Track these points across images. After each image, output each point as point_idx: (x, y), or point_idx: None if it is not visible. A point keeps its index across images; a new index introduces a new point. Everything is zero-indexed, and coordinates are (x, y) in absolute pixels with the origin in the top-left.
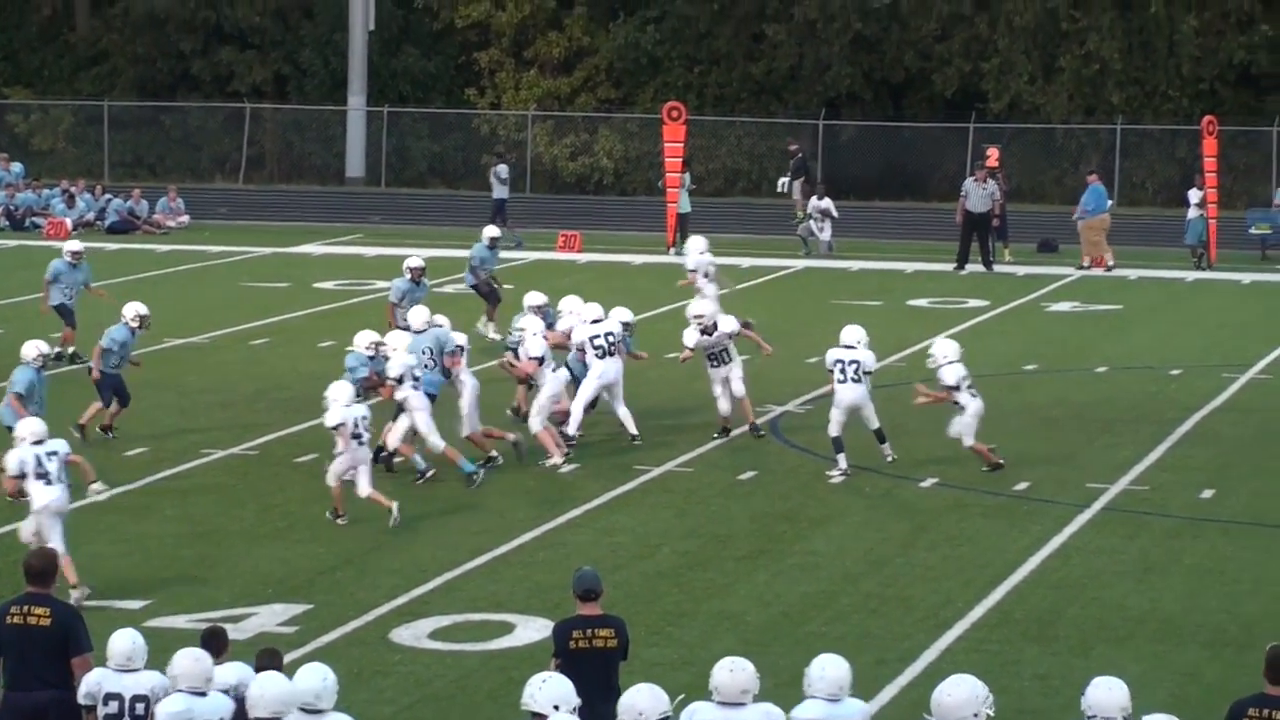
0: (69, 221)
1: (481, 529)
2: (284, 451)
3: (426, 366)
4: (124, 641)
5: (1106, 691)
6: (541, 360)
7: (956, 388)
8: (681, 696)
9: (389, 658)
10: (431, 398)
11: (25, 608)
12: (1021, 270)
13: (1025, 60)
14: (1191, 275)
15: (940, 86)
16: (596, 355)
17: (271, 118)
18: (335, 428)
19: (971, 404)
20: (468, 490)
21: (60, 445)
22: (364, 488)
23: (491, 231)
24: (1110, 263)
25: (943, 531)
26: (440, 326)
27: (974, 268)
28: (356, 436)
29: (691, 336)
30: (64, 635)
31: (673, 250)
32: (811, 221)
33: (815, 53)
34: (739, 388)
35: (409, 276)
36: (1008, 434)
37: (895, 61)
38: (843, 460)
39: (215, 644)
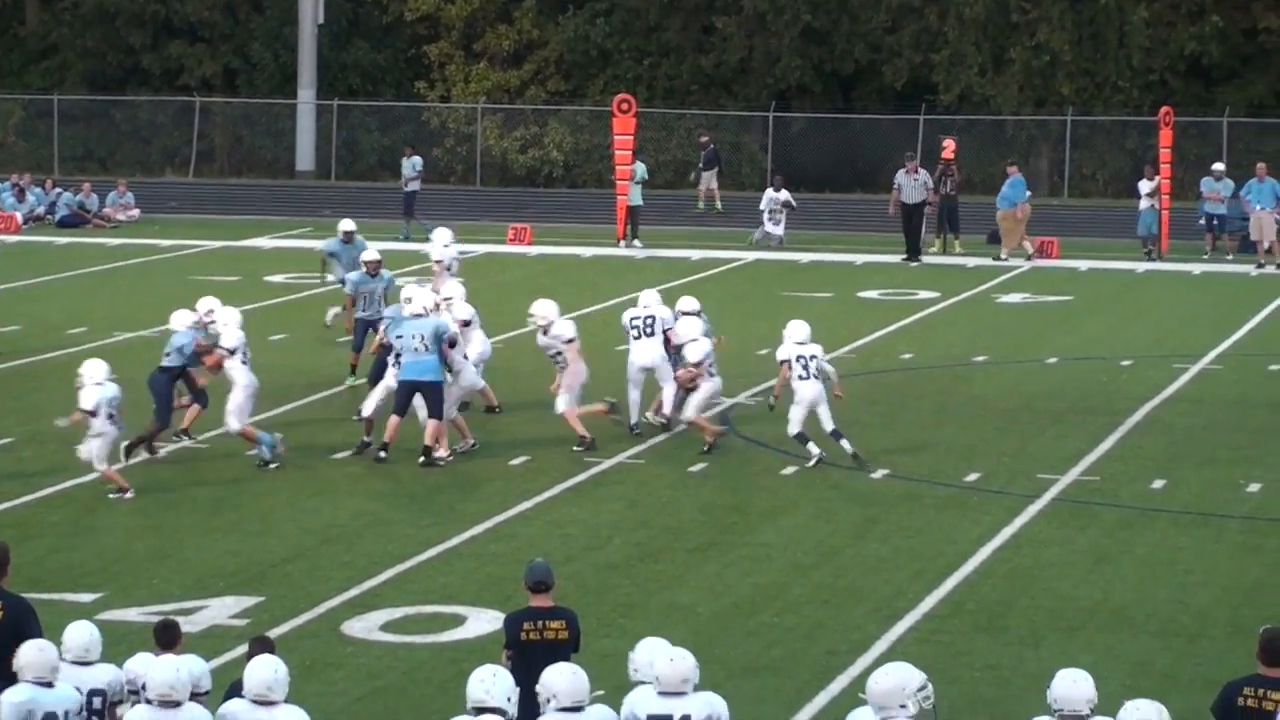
0: (19, 216)
1: (432, 521)
2: (235, 444)
3: (417, 350)
4: (81, 634)
5: (1072, 684)
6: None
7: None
8: (600, 693)
9: (340, 650)
10: (434, 385)
11: None
12: (972, 262)
13: (975, 52)
14: (1142, 266)
15: (890, 78)
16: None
17: (221, 111)
18: (91, 411)
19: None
20: (407, 482)
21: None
22: (100, 463)
23: (347, 225)
24: (1030, 251)
25: (894, 523)
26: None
27: (934, 259)
28: (110, 417)
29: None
30: (16, 628)
31: (623, 243)
32: (767, 214)
33: (765, 45)
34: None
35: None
36: (958, 425)
37: (845, 53)
38: (813, 448)
39: (168, 636)
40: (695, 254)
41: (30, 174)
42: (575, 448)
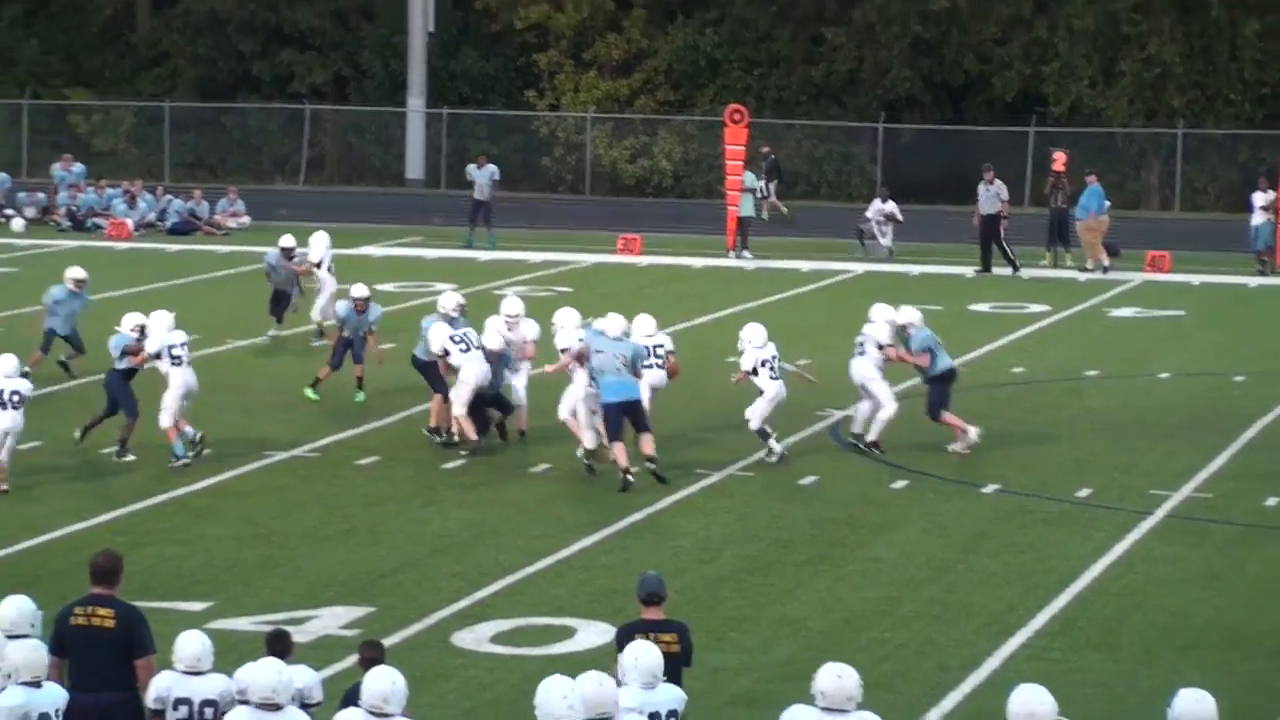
0: (130, 222)
1: (543, 533)
2: (346, 453)
3: (618, 370)
4: (193, 644)
5: (1195, 703)
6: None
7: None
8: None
9: (450, 661)
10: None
11: (89, 609)
12: (1083, 275)
13: (1086, 64)
14: (1255, 280)
15: (1000, 90)
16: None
17: (331, 119)
18: None
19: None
20: (517, 492)
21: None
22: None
23: (286, 241)
24: (1106, 263)
25: (1005, 538)
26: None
27: (1045, 273)
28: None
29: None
30: (128, 637)
31: (733, 254)
32: (875, 225)
33: (875, 56)
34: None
35: (354, 307)
36: (1070, 440)
37: (955, 65)
38: (775, 444)
39: (279, 646)
40: (805, 265)
41: (141, 181)
42: (578, 454)
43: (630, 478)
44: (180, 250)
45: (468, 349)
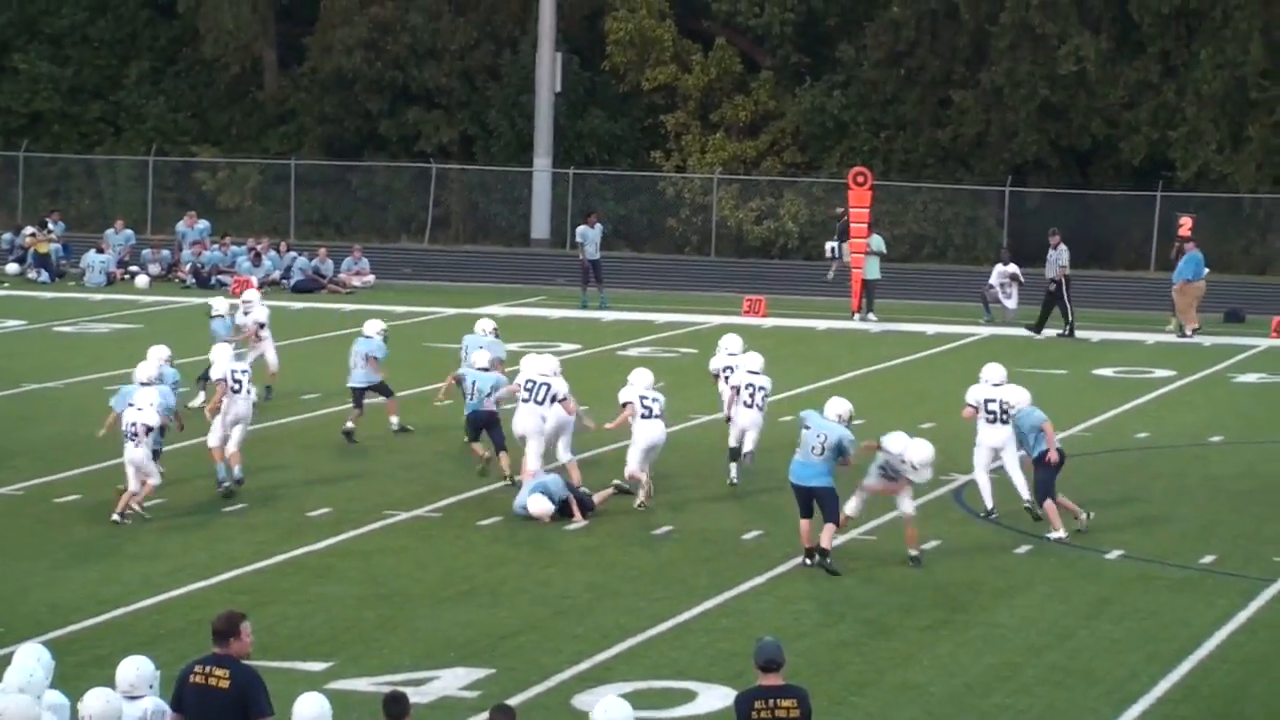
0: (254, 279)
1: (664, 595)
2: (467, 514)
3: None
4: (313, 707)
5: None
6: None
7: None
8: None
9: None
10: (827, 490)
11: (207, 668)
12: (1208, 340)
13: (1213, 129)
14: None
15: (1127, 154)
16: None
17: (457, 178)
18: None
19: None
20: (639, 555)
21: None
22: None
23: (218, 306)
24: (1189, 330)
25: (1128, 603)
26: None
27: (1162, 337)
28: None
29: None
30: (243, 699)
31: (857, 316)
32: (1000, 288)
33: (1002, 119)
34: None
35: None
36: (1194, 505)
37: (1082, 129)
38: (734, 469)
39: (397, 708)
40: (930, 328)
41: (267, 238)
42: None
43: (810, 562)
44: (304, 308)
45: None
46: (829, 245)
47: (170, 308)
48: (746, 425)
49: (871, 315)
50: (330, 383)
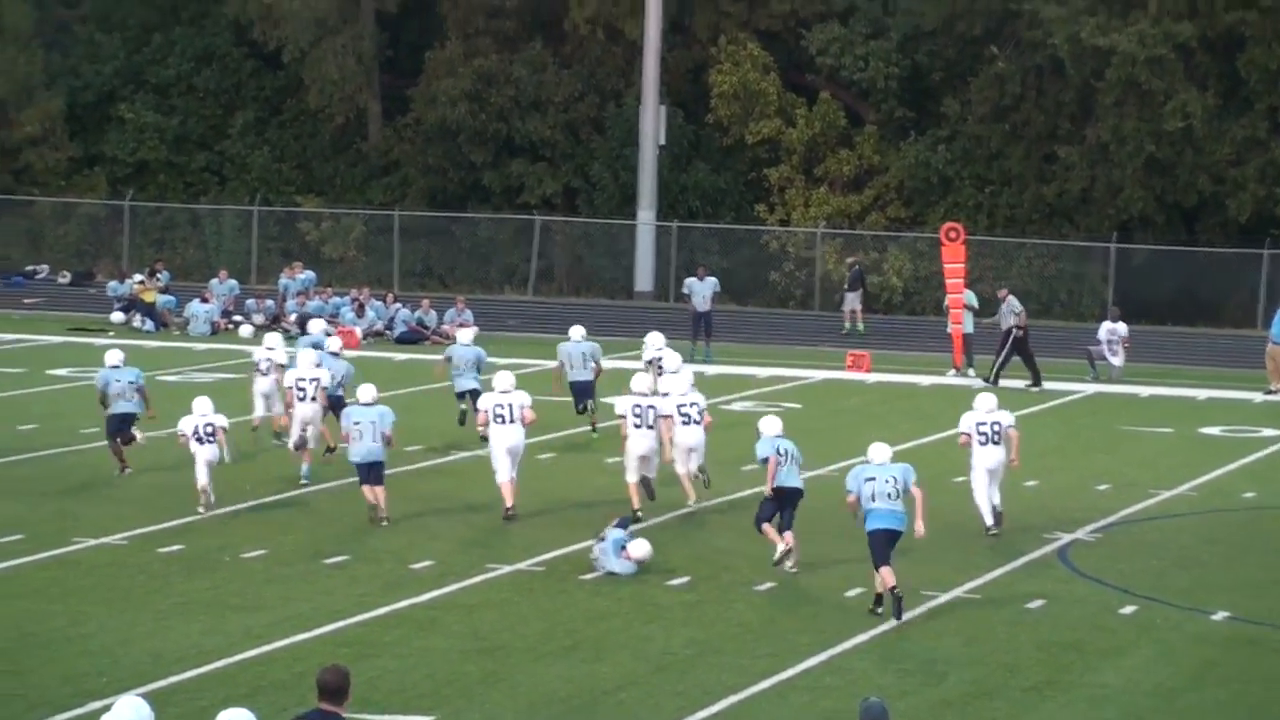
0: (358, 330)
1: (767, 652)
2: (569, 568)
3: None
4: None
5: None
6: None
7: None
8: None
9: None
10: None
11: None
12: (1259, 398)
13: None
14: None
15: (1235, 211)
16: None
17: (561, 230)
18: None
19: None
20: (741, 611)
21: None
22: None
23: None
24: (1274, 388)
25: (1235, 667)
26: None
27: (1273, 397)
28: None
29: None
30: None
31: (955, 371)
32: (1105, 345)
33: (1108, 175)
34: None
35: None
36: None
37: (1189, 185)
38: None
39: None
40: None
41: (370, 289)
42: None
43: (880, 610)
44: (407, 359)
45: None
46: (848, 297)
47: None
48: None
49: (971, 370)
50: (432, 435)
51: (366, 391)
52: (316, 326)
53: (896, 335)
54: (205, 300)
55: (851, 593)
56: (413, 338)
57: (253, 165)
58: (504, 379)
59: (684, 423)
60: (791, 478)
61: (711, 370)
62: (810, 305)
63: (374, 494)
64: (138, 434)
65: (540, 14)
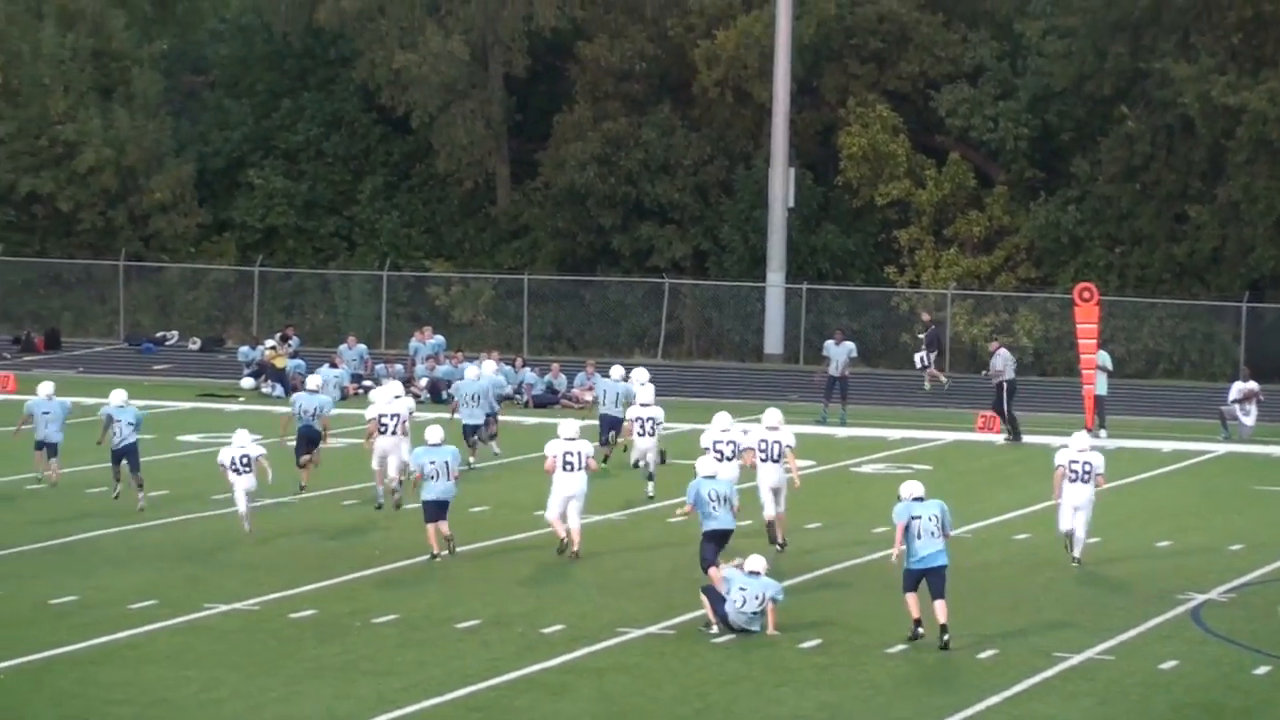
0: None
1: (899, 715)
2: (700, 631)
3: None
4: None
5: None
6: None
7: None
8: None
9: None
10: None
11: None
12: None
13: None
14: None
15: None
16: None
17: (690, 293)
18: None
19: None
20: (873, 673)
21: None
22: None
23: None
24: None
25: None
26: None
27: None
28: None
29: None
30: None
31: (1091, 432)
32: (1237, 405)
33: (1239, 234)
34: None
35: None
36: None
37: None
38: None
39: None
40: (1166, 445)
41: (499, 353)
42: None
43: (922, 632)
44: (537, 423)
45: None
46: (917, 356)
47: None
48: (647, 448)
49: (1103, 431)
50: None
51: (434, 433)
52: (489, 367)
53: (1028, 396)
54: (335, 365)
55: (984, 654)
56: (543, 401)
57: (382, 230)
58: (569, 427)
59: (719, 459)
60: (726, 520)
61: (844, 433)
62: (940, 366)
63: (439, 530)
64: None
65: (669, 77)
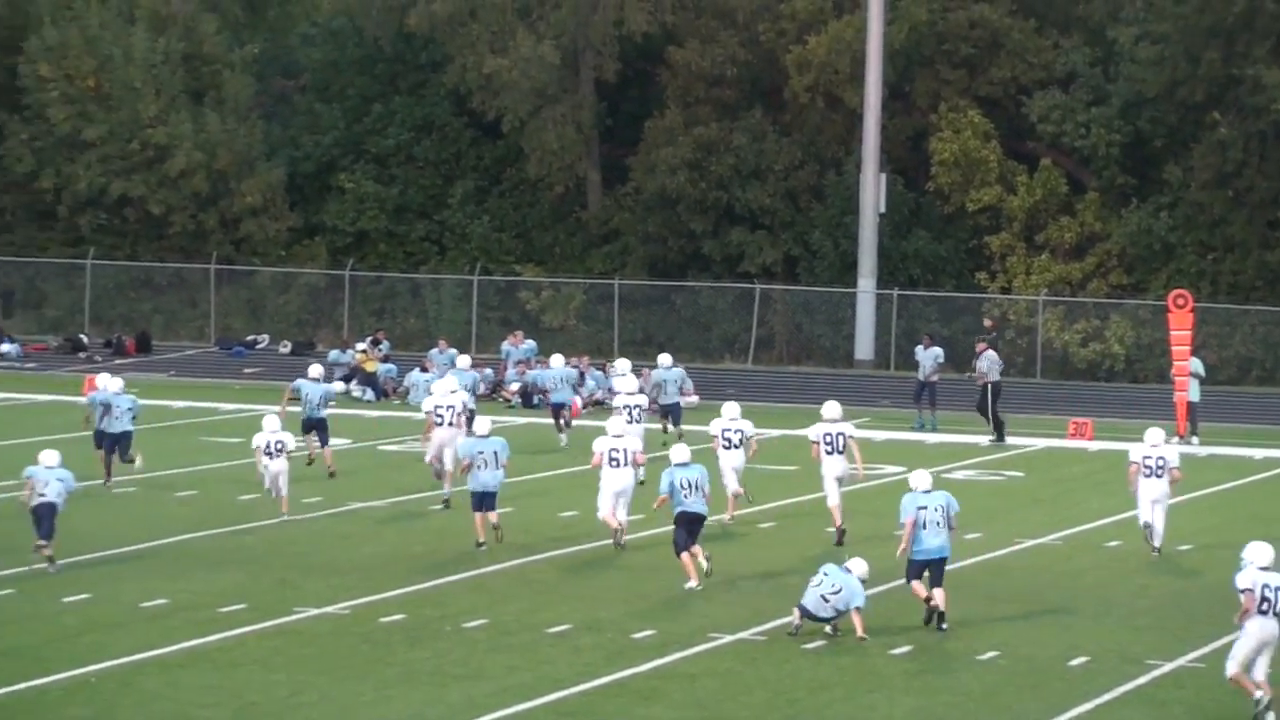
0: (578, 400)
1: None
2: (790, 637)
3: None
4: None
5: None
6: None
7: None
8: None
9: None
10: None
11: None
12: None
13: None
14: None
15: None
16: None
17: (781, 299)
18: None
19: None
20: (965, 679)
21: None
22: None
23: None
24: None
25: None
26: None
27: None
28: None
29: None
30: None
31: (1177, 439)
32: None
33: None
34: None
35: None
36: None
37: None
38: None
39: None
40: (1258, 453)
41: (589, 358)
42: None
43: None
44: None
45: None
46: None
47: (495, 428)
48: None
49: (1195, 438)
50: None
51: (482, 424)
52: (464, 362)
53: (1119, 403)
54: (425, 370)
55: (1075, 661)
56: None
57: (472, 234)
58: (616, 424)
59: (726, 446)
60: (697, 505)
61: (934, 439)
62: (1032, 373)
63: (485, 520)
64: (138, 458)
65: (760, 82)
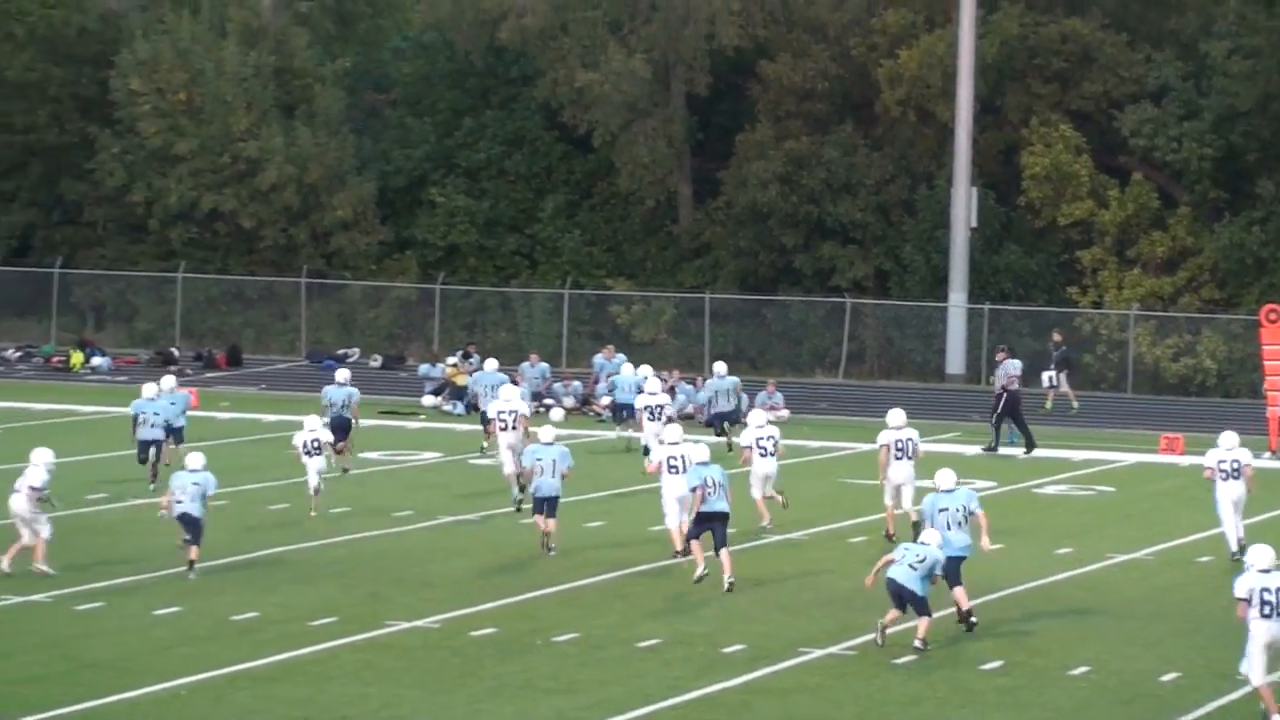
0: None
1: None
2: (881, 651)
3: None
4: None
5: None
6: None
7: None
8: None
9: None
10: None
11: None
12: None
13: None
14: None
15: None
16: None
17: (872, 313)
18: None
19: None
20: (1055, 696)
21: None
22: None
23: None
24: None
25: None
26: None
27: None
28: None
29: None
30: None
31: (1269, 454)
32: None
33: None
34: None
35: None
36: None
37: None
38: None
39: None
40: None
41: (680, 371)
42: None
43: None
44: (718, 443)
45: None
46: (1045, 375)
47: (581, 441)
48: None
49: None
50: (744, 519)
51: (547, 432)
52: (490, 365)
53: (1211, 418)
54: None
55: (1167, 677)
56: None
57: (563, 248)
58: (673, 431)
59: (761, 454)
60: (720, 503)
61: (1023, 453)
62: (1123, 388)
63: (546, 524)
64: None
65: (851, 96)
